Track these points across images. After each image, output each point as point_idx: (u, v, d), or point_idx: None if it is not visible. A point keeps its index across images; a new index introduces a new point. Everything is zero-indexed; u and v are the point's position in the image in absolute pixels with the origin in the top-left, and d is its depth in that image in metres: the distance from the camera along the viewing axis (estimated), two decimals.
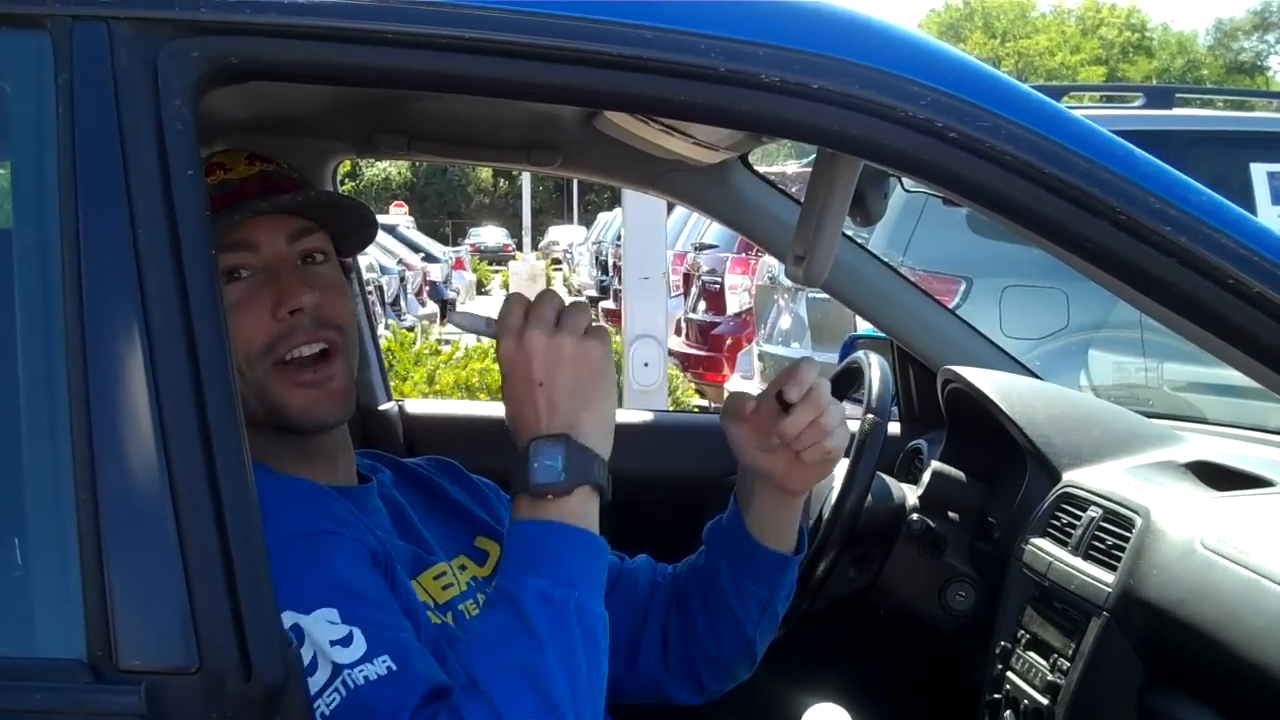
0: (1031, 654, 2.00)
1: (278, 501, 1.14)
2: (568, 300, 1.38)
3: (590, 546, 1.33)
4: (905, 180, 1.53)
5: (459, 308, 20.53)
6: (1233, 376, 1.29)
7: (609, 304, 16.28)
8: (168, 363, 1.07)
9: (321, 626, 1.27)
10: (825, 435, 1.54)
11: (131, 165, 1.10)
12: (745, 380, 7.35)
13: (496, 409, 3.70)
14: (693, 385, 9.26)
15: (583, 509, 1.33)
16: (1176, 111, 6.05)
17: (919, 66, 1.18)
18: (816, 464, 1.57)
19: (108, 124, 1.10)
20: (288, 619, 1.24)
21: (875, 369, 2.14)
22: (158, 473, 1.06)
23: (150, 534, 1.06)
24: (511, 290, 1.36)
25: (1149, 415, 2.38)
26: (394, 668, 1.27)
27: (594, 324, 1.36)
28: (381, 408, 2.68)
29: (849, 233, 2.62)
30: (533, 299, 1.37)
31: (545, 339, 1.33)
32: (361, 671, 1.26)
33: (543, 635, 1.26)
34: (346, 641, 1.26)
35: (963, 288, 5.44)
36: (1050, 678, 1.91)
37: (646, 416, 2.93)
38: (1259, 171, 5.81)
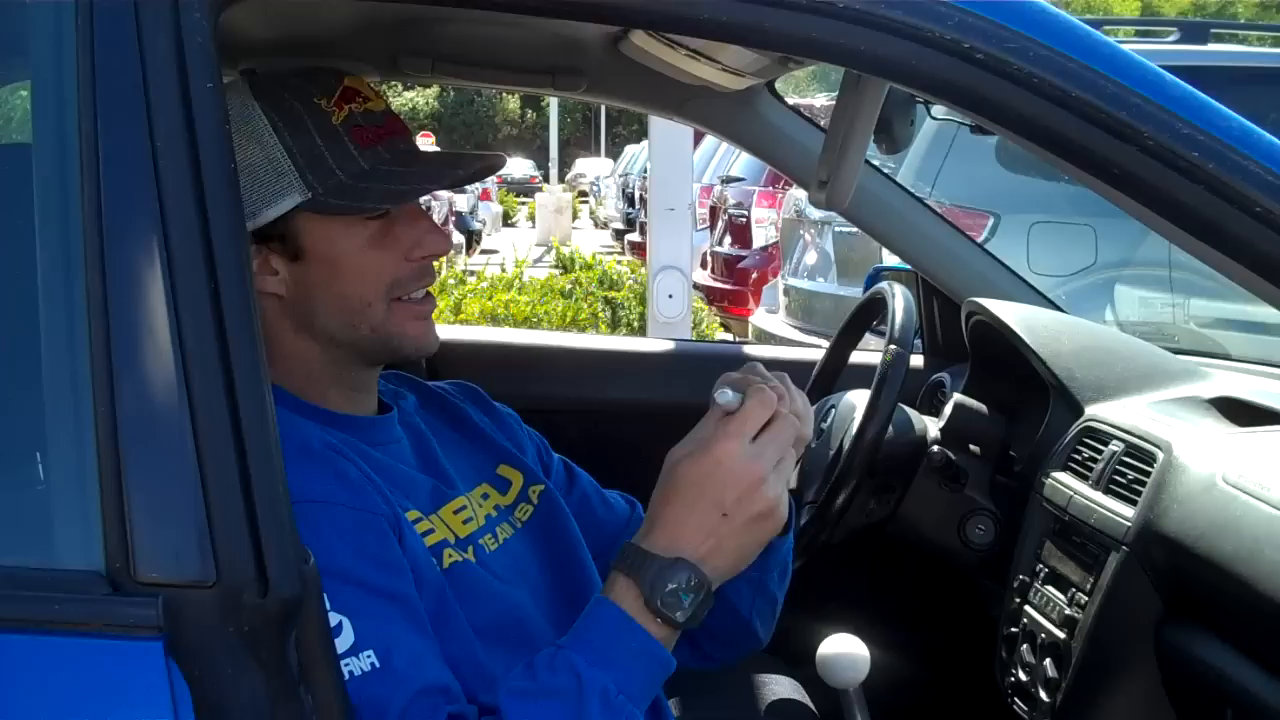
0: (1049, 588, 2.00)
1: (286, 456, 1.14)
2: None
3: (664, 672, 1.33)
4: (933, 107, 1.51)
5: (485, 237, 20.51)
6: (1260, 313, 1.28)
7: (635, 236, 16.24)
8: (186, 278, 1.07)
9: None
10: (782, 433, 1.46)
11: (151, 79, 1.09)
12: (770, 314, 7.33)
13: (519, 335, 3.70)
14: (718, 319, 9.25)
15: (673, 638, 1.33)
16: (1211, 47, 5.97)
17: None
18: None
19: (127, 37, 1.09)
20: None
21: (899, 300, 2.13)
22: (176, 387, 1.06)
23: (168, 448, 1.06)
24: (761, 396, 1.36)
25: (1175, 351, 2.37)
26: (378, 664, 1.26)
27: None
28: None
29: (875, 163, 2.60)
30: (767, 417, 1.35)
31: (760, 478, 1.32)
32: (348, 665, 1.25)
33: None
34: (335, 632, 1.25)
35: (990, 223, 5.41)
36: (1068, 612, 1.91)
37: (669, 345, 2.93)
38: None
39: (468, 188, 20.55)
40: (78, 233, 1.08)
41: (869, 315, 2.36)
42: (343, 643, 1.25)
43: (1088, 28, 1.22)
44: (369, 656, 1.26)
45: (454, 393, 1.71)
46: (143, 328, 1.07)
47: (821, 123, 2.47)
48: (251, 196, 1.37)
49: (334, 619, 1.25)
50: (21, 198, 1.12)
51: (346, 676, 1.23)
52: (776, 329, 6.92)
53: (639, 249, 11.94)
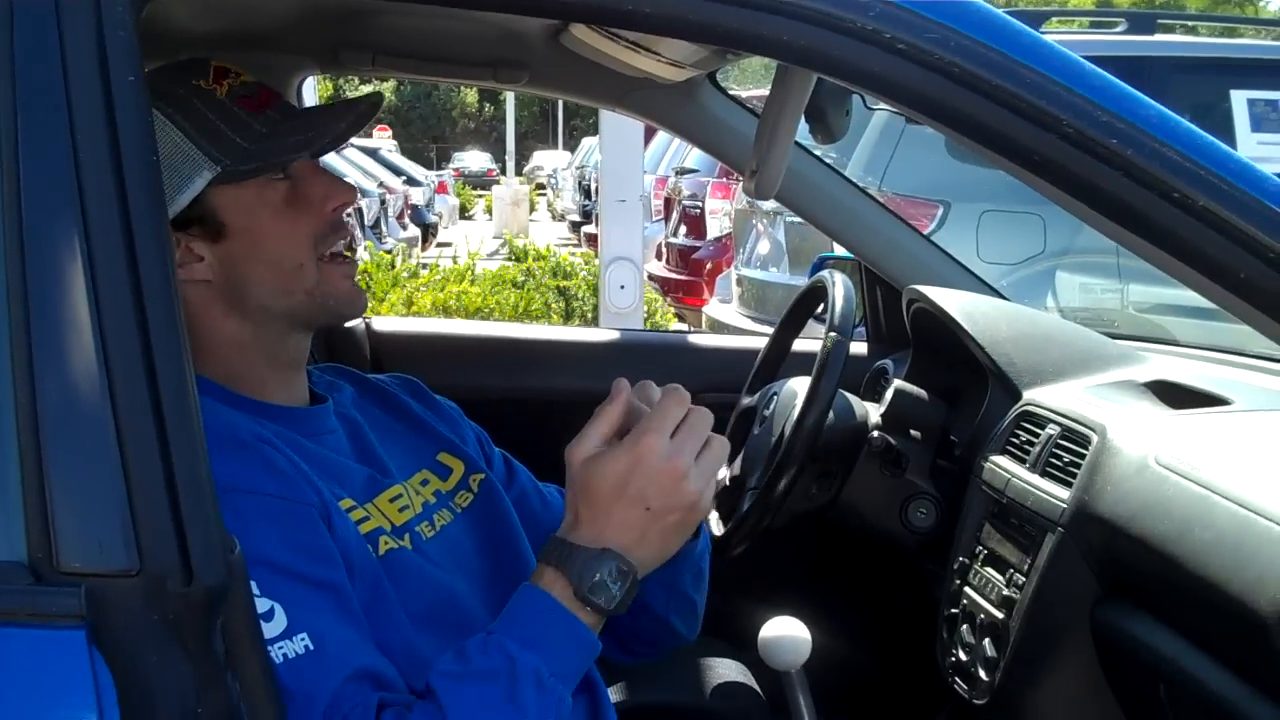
0: (989, 569, 2.02)
1: (214, 446, 1.15)
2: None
3: (592, 656, 1.36)
4: (867, 98, 1.52)
5: (441, 230, 20.46)
6: (1198, 298, 1.29)
7: (590, 229, 16.24)
8: (107, 269, 1.07)
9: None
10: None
11: (72, 72, 1.09)
12: (724, 304, 7.36)
13: (465, 326, 3.70)
14: (672, 310, 9.27)
15: (601, 622, 1.36)
16: (1158, 38, 6.03)
17: None
18: None
19: (47, 29, 1.09)
20: None
21: (839, 287, 2.15)
22: (97, 377, 1.06)
23: (90, 438, 1.06)
24: (677, 394, 1.39)
25: (1114, 336, 2.39)
26: (311, 647, 1.27)
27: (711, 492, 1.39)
28: (348, 325, 2.68)
29: (818, 152, 2.62)
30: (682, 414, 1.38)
31: (681, 474, 1.35)
32: (280, 649, 1.25)
33: (525, 712, 1.27)
34: (268, 616, 1.26)
35: (940, 212, 5.44)
36: (1006, 592, 1.93)
37: (615, 335, 2.95)
38: (1239, 98, 5.81)
39: (423, 181, 20.50)
40: None
41: (811, 304, 2.37)
42: (274, 627, 1.26)
43: (1009, 18, 1.24)
44: (303, 639, 1.27)
45: (392, 385, 1.71)
46: (63, 319, 1.06)
47: None
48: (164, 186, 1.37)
49: (265, 604, 1.26)
50: None
51: (280, 660, 1.24)
52: (730, 319, 6.94)
53: (595, 241, 11.95)
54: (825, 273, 2.25)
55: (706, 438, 1.38)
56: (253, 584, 1.22)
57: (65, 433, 1.06)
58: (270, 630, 1.25)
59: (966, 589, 2.06)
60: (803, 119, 1.70)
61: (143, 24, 1.13)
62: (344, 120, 1.51)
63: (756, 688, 2.14)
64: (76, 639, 1.04)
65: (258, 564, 1.24)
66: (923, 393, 2.28)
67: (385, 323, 2.86)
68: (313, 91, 2.69)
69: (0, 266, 1.07)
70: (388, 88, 49.41)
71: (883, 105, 1.32)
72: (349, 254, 1.53)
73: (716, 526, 2.14)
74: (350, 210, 1.54)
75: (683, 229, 9.59)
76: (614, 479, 1.34)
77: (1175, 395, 2.02)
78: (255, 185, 1.45)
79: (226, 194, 1.43)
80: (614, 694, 1.97)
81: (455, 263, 8.50)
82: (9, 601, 1.06)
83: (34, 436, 1.05)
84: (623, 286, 5.94)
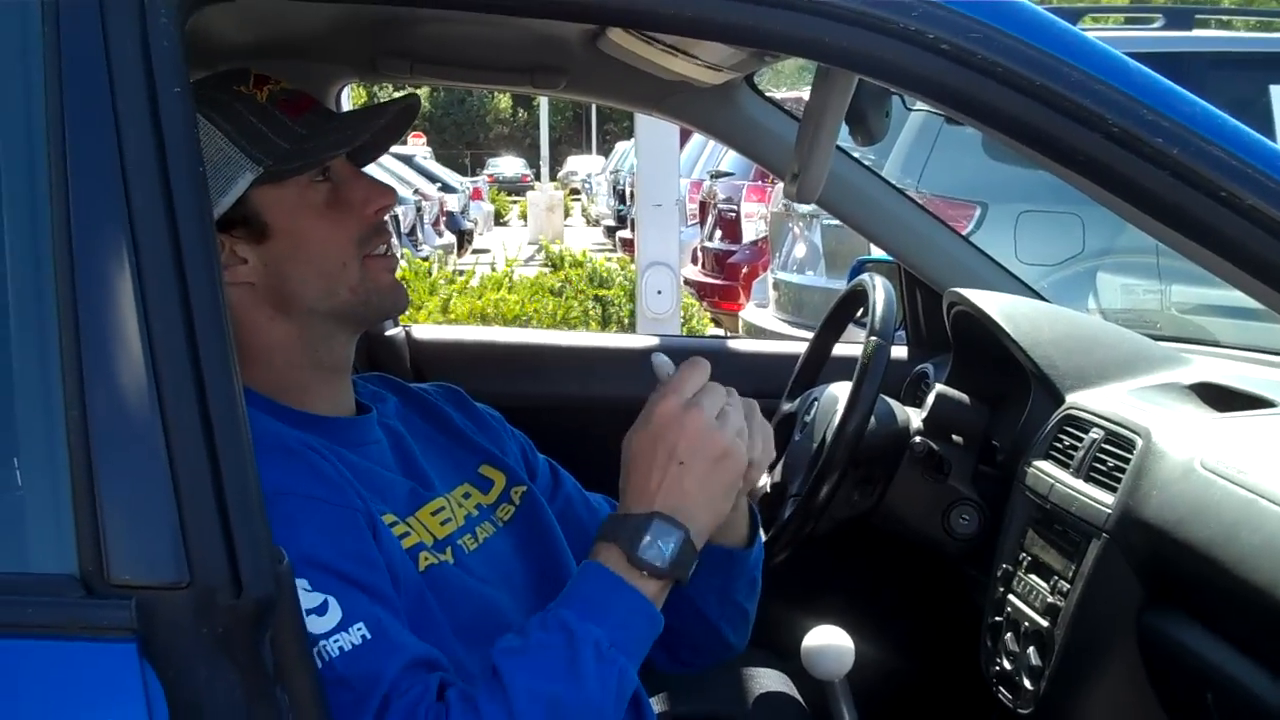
0: (1032, 576, 2.00)
1: (261, 454, 1.15)
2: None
3: (655, 627, 1.37)
4: (907, 98, 1.52)
5: (477, 236, 20.52)
6: (1241, 298, 1.28)
7: (626, 233, 16.25)
8: (155, 280, 1.07)
9: (300, 590, 1.25)
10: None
11: (118, 82, 1.09)
12: (760, 309, 7.34)
13: (505, 334, 3.71)
14: (708, 314, 9.25)
15: (662, 592, 1.37)
16: (1195, 33, 5.98)
17: None
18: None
19: (93, 41, 1.10)
20: None
21: (879, 291, 2.14)
22: (147, 390, 1.06)
23: (140, 450, 1.07)
24: (694, 361, 1.43)
25: (1157, 338, 2.37)
26: (369, 636, 1.28)
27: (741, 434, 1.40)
28: (389, 333, 2.69)
29: (856, 154, 2.61)
30: (705, 382, 1.41)
31: (705, 424, 1.38)
32: (336, 642, 1.26)
33: (584, 681, 1.28)
34: (321, 610, 1.27)
35: (978, 213, 5.42)
36: (1050, 599, 1.92)
37: (654, 341, 2.94)
38: (1279, 93, 5.74)
39: (458, 187, 20.57)
40: (46, 237, 1.08)
41: (851, 308, 2.37)
42: (329, 620, 1.27)
43: (1052, 16, 1.23)
44: (359, 629, 1.28)
45: (435, 394, 1.71)
46: (113, 331, 1.07)
47: None
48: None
49: (317, 598, 1.27)
50: None
51: (336, 652, 1.25)
52: (766, 323, 6.93)
53: (630, 246, 11.96)
54: (865, 276, 2.24)
55: (726, 398, 1.41)
56: (304, 581, 1.24)
57: (115, 445, 1.06)
58: (325, 624, 1.26)
59: (1010, 596, 2.05)
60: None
61: (187, 35, 1.14)
62: (381, 119, 1.52)
63: (799, 698, 2.13)
64: (128, 651, 1.05)
65: (309, 565, 1.26)
66: (964, 397, 2.27)
67: (425, 330, 2.87)
68: (349, 102, 2.70)
69: (50, 279, 1.08)
70: (422, 93, 49.63)
71: (923, 106, 1.31)
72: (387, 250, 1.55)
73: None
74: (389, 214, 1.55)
75: (718, 233, 9.58)
76: (644, 444, 1.38)
77: (1219, 397, 2.00)
78: (297, 186, 1.46)
79: (269, 195, 1.45)
80: (656, 704, 1.96)
81: (493, 269, 8.52)
82: (61, 614, 1.06)
83: (84, 449, 1.06)
84: (660, 292, 5.93)
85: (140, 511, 1.07)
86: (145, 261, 1.07)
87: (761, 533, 1.69)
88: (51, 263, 1.08)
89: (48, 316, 1.08)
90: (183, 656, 1.05)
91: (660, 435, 1.38)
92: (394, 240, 1.63)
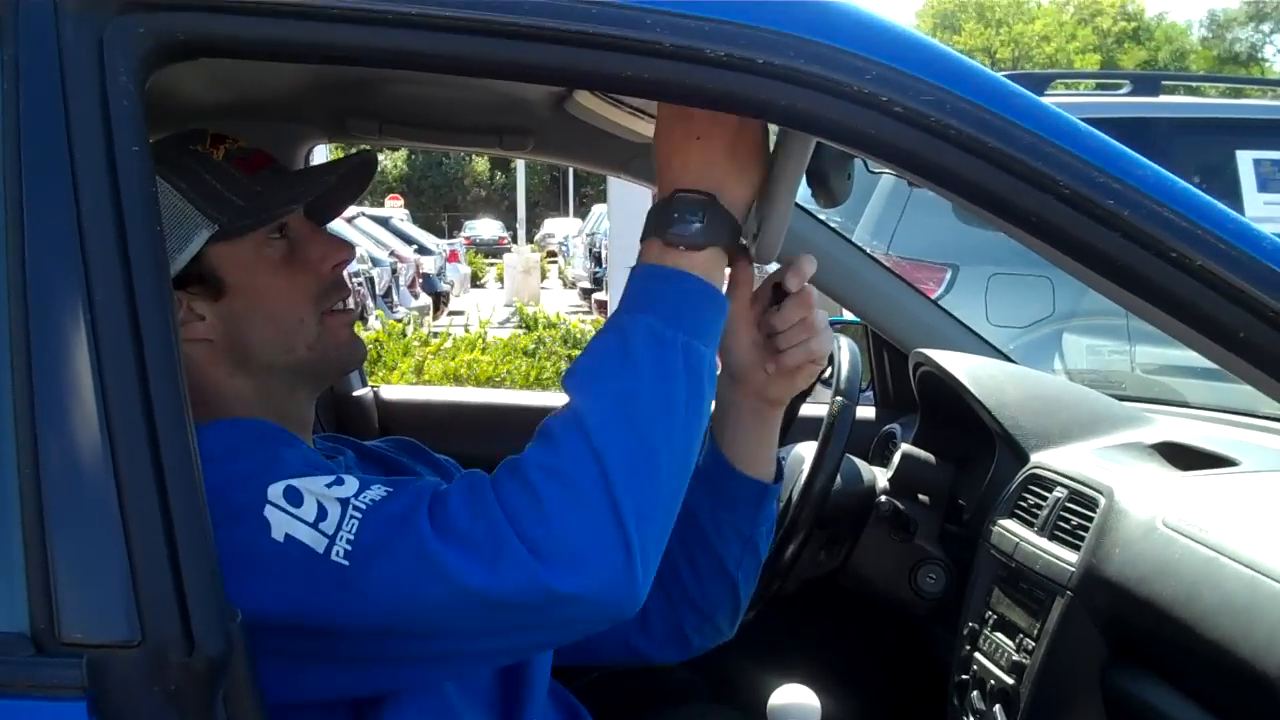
0: (998, 634, 2.01)
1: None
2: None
3: (711, 299, 1.34)
4: (869, 161, 1.53)
5: (453, 298, 20.54)
6: (1202, 358, 1.29)
7: (602, 295, 16.29)
8: (111, 338, 1.07)
9: (313, 480, 1.27)
10: (811, 334, 1.53)
11: (76, 141, 1.10)
12: None
13: (473, 394, 3.70)
14: None
15: (710, 265, 1.34)
16: (1163, 99, 6.05)
17: (863, 41, 1.18)
18: (798, 367, 1.56)
19: (53, 99, 1.10)
20: (278, 487, 1.25)
21: (845, 352, 2.15)
22: (100, 446, 1.06)
23: (93, 509, 1.06)
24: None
25: (1122, 398, 2.39)
26: (391, 489, 1.28)
27: None
28: (356, 393, 2.69)
29: (822, 217, 2.63)
30: None
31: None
32: (366, 495, 1.26)
33: (642, 368, 1.26)
34: (340, 482, 1.28)
35: (948, 276, 5.45)
36: (1016, 658, 1.92)
37: None
38: (1245, 159, 5.82)
39: (435, 249, 20.59)
40: (1, 294, 1.09)
41: None
42: (350, 488, 1.27)
43: (1005, 80, 1.24)
44: (380, 487, 1.28)
45: (390, 450, 1.72)
46: (67, 388, 1.07)
47: None
48: None
49: (334, 476, 1.29)
50: None
51: (372, 501, 1.25)
52: None
53: (606, 308, 11.97)
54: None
55: None
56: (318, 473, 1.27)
57: (68, 503, 1.06)
58: (349, 489, 1.26)
59: (977, 654, 2.05)
60: (805, 182, 1.71)
61: (150, 94, 1.14)
62: (333, 174, 1.53)
63: None
64: (78, 710, 1.04)
65: (315, 467, 1.30)
66: (930, 457, 2.28)
67: (393, 391, 2.87)
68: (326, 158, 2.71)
69: (6, 336, 1.08)
70: (399, 156, 49.84)
71: (886, 170, 1.32)
72: (347, 305, 1.56)
73: None
74: (355, 270, 1.56)
75: None
76: (663, 130, 1.37)
77: (1182, 456, 2.02)
78: (253, 243, 1.47)
79: (225, 252, 1.46)
80: None
81: (467, 331, 8.52)
82: (11, 673, 1.05)
83: (36, 507, 1.05)
84: None
85: (92, 569, 1.06)
86: (100, 318, 1.07)
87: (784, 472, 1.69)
88: (7, 318, 1.08)
89: (1, 372, 1.08)
90: (134, 715, 1.05)
91: (677, 118, 1.36)
92: (368, 302, 1.65)
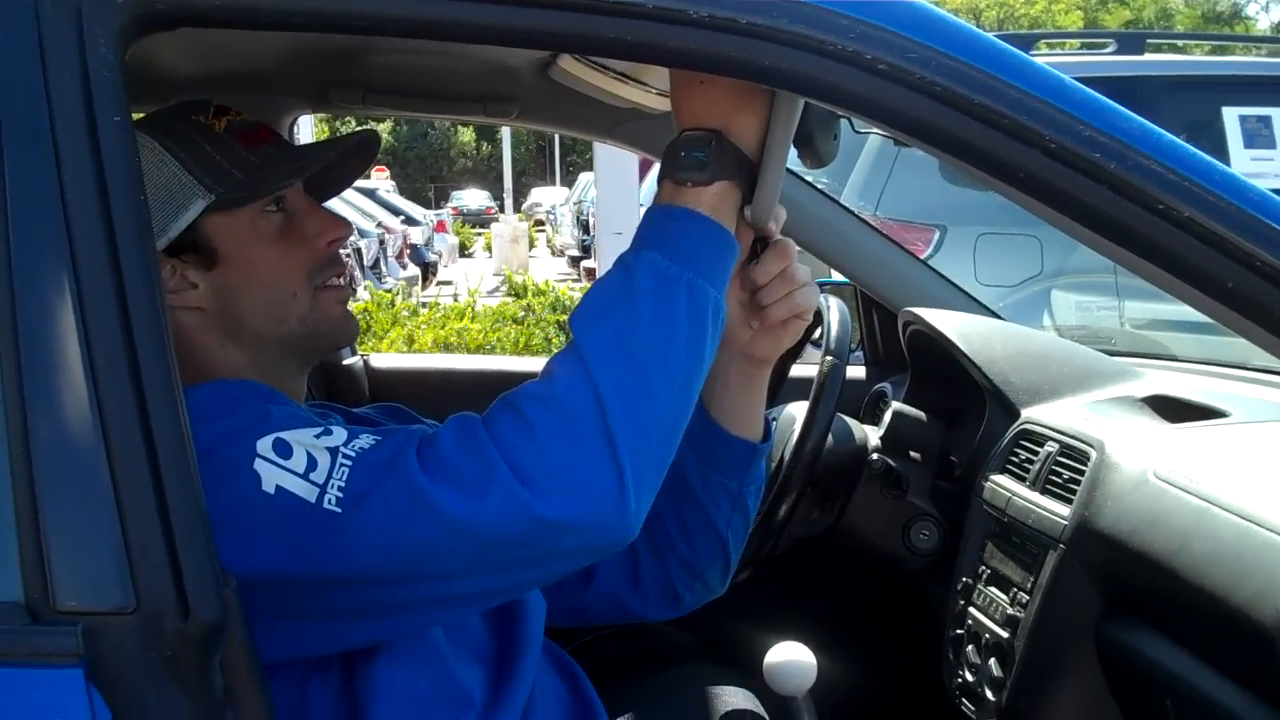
0: (992, 589, 2.02)
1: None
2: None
3: (717, 236, 1.35)
4: (855, 122, 1.53)
5: (441, 269, 20.52)
6: (1194, 312, 1.30)
7: (590, 263, 16.28)
8: (97, 307, 1.07)
9: (302, 431, 1.28)
10: (793, 285, 1.54)
11: (57, 112, 1.10)
12: None
13: (464, 360, 3.70)
14: None
15: (719, 202, 1.36)
16: (1148, 57, 6.04)
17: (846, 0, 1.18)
18: (783, 323, 1.56)
19: (32, 71, 1.10)
20: (268, 440, 1.25)
21: (834, 312, 2.15)
22: (90, 414, 1.06)
23: (84, 476, 1.06)
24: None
25: (1111, 353, 2.40)
26: (379, 437, 1.29)
27: None
28: (346, 362, 2.69)
29: (809, 178, 2.63)
30: None
31: None
32: (355, 444, 1.27)
33: (642, 301, 1.27)
34: (329, 433, 1.28)
35: (936, 236, 5.45)
36: (1010, 611, 1.93)
37: None
38: (1231, 115, 5.81)
39: (422, 220, 20.56)
40: None
41: (806, 329, 2.38)
42: (338, 437, 1.28)
43: (990, 36, 1.24)
44: (367, 435, 1.29)
45: (378, 415, 1.72)
46: (54, 358, 1.07)
47: None
48: (159, 214, 1.40)
49: (321, 426, 1.30)
50: None
51: (361, 448, 1.26)
52: None
53: (594, 275, 11.97)
54: (820, 297, 2.26)
55: None
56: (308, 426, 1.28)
57: (59, 471, 1.06)
58: (337, 439, 1.27)
59: (971, 609, 2.06)
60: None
61: (130, 66, 1.14)
62: (333, 150, 1.53)
63: (764, 714, 2.13)
64: (74, 678, 1.04)
65: (306, 423, 1.31)
66: (921, 414, 2.28)
67: (383, 359, 2.87)
68: (310, 135, 2.70)
69: None
70: (384, 128, 49.65)
71: (872, 130, 1.32)
72: (341, 282, 1.56)
73: None
74: (347, 245, 1.56)
75: None
76: (676, 79, 1.39)
77: (1173, 409, 2.03)
78: (249, 215, 1.47)
79: (220, 222, 1.46)
80: None
81: (456, 300, 8.51)
82: (6, 642, 1.06)
83: (28, 475, 1.06)
84: None
85: (85, 537, 1.07)
86: (86, 287, 1.07)
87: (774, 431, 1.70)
88: None
89: None
90: (130, 681, 1.05)
91: (676, 86, 1.39)
92: (357, 274, 1.65)
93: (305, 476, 1.23)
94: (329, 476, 1.23)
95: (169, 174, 1.43)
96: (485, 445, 1.22)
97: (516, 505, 1.20)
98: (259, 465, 1.23)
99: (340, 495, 1.22)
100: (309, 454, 1.25)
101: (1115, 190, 1.18)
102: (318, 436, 1.27)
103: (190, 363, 1.35)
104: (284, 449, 1.25)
